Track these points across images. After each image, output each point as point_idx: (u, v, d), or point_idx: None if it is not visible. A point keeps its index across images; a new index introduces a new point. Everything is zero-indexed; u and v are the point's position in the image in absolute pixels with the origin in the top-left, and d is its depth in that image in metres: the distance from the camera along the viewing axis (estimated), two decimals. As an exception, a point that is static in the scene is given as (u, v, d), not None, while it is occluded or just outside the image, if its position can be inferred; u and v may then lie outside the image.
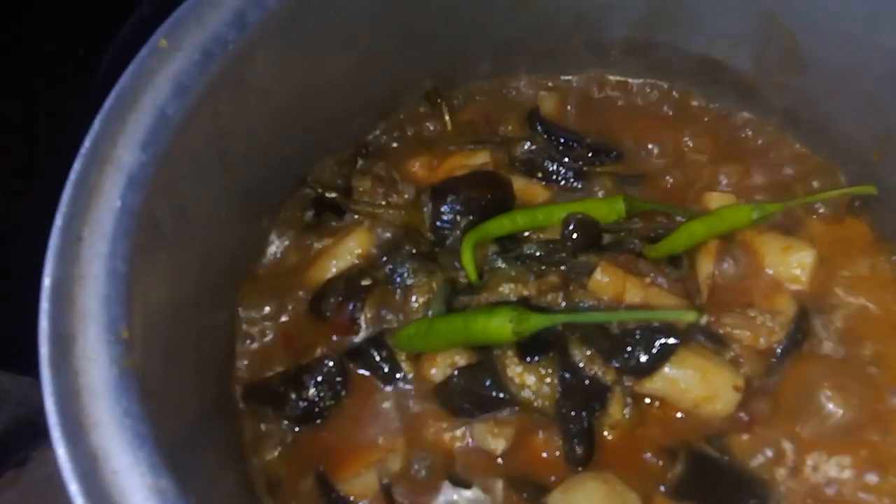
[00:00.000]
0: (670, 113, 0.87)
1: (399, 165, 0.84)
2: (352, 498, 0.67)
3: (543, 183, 0.82)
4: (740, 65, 0.81)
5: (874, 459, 0.66)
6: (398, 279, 0.74)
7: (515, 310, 0.65)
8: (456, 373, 0.69)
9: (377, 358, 0.72)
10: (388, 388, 0.72)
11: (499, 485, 0.67)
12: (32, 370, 1.21)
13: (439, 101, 0.88)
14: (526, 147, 0.84)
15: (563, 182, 0.82)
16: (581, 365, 0.67)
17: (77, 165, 0.58)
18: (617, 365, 0.66)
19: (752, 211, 0.75)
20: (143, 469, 0.48)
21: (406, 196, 0.81)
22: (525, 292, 0.71)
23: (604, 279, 0.69)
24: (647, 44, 0.84)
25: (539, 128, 0.85)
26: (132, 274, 0.56)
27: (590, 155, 0.84)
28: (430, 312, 0.72)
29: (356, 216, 0.81)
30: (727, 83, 0.83)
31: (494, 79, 0.89)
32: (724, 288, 0.73)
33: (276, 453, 0.70)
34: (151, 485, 0.48)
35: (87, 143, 0.58)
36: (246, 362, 0.74)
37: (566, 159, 0.83)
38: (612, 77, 0.89)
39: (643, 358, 0.66)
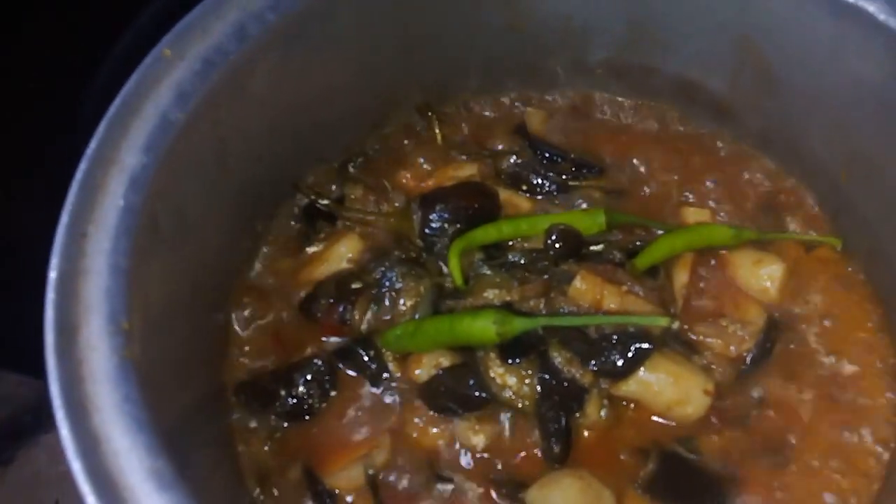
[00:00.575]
0: (650, 130, 0.90)
1: (390, 175, 0.86)
2: (337, 491, 0.70)
3: (528, 195, 0.85)
4: (716, 86, 0.85)
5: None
6: (387, 283, 0.77)
7: (499, 312, 0.68)
8: (440, 373, 0.72)
9: (365, 358, 0.75)
10: (375, 388, 0.74)
11: (479, 480, 0.69)
12: (22, 368, 1.23)
13: (430, 114, 0.91)
14: (512, 160, 0.87)
15: (546, 194, 0.85)
16: (560, 367, 0.70)
17: (83, 166, 0.61)
18: (594, 368, 0.69)
19: (731, 232, 0.78)
20: (141, 451, 0.51)
21: (396, 204, 0.84)
22: (508, 298, 0.74)
23: (583, 286, 0.72)
24: (628, 65, 0.87)
25: (525, 142, 0.89)
26: (133, 270, 0.58)
27: (573, 169, 0.87)
28: (417, 315, 0.75)
29: (348, 223, 0.83)
30: (704, 103, 0.87)
31: (484, 94, 0.92)
32: (698, 298, 0.77)
33: (265, 447, 0.72)
34: (149, 466, 0.50)
35: (92, 146, 0.61)
36: (238, 359, 0.76)
37: (550, 173, 0.86)
38: (595, 95, 0.92)
39: (619, 362, 0.68)
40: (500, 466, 0.70)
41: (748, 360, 0.73)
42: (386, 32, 0.80)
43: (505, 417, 0.71)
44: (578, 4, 0.83)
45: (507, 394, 0.70)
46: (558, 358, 0.70)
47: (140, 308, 0.58)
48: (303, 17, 0.71)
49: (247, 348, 0.77)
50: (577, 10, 0.84)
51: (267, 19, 0.68)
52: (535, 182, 0.86)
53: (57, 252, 0.57)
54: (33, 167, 0.85)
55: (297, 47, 0.72)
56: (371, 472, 0.69)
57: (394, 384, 0.74)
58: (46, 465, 1.31)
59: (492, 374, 0.70)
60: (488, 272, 0.76)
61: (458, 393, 0.71)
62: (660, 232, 0.80)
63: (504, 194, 0.83)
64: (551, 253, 0.76)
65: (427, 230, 0.78)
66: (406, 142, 0.90)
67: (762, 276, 0.77)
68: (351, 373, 0.75)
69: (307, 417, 0.74)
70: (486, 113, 0.93)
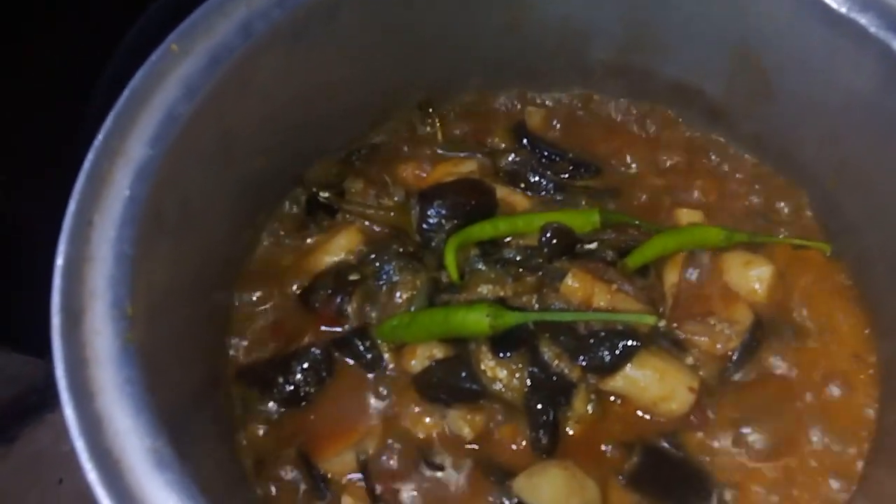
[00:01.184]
0: (647, 132, 0.91)
1: (391, 170, 0.88)
2: (330, 475, 0.72)
3: (526, 193, 0.87)
4: (712, 91, 0.86)
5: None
6: (384, 276, 0.79)
7: (492, 306, 0.70)
8: (434, 364, 0.73)
9: (361, 348, 0.77)
10: (370, 377, 0.76)
11: (469, 468, 0.71)
12: (29, 349, 1.25)
13: (431, 111, 0.92)
14: (511, 158, 0.89)
15: (543, 193, 0.87)
16: (549, 362, 0.72)
17: (90, 157, 0.62)
18: (583, 363, 0.71)
19: (722, 234, 0.80)
20: (142, 431, 0.53)
21: (396, 199, 0.86)
22: (502, 293, 0.76)
23: (574, 284, 0.74)
24: (626, 67, 0.89)
25: (524, 141, 0.90)
26: (137, 257, 0.60)
27: (570, 168, 0.89)
28: (412, 308, 0.77)
29: (348, 216, 0.85)
30: (700, 107, 0.88)
31: (484, 93, 0.94)
32: (687, 297, 0.78)
33: (262, 432, 0.74)
34: (149, 446, 0.52)
35: (100, 137, 0.63)
36: (238, 346, 0.78)
37: (548, 172, 0.88)
38: (594, 96, 0.93)
39: (607, 358, 0.70)
40: (489, 456, 0.72)
41: (734, 358, 0.75)
42: (389, 31, 0.81)
43: (495, 409, 0.73)
44: (577, 7, 0.84)
45: (498, 386, 0.72)
46: (548, 353, 0.72)
47: (143, 295, 0.60)
48: (307, 15, 0.72)
49: (247, 336, 0.79)
50: (576, 13, 0.85)
51: (272, 17, 0.70)
52: (532, 180, 0.87)
53: (64, 239, 0.59)
54: (43, 158, 0.87)
55: (300, 44, 0.74)
56: (363, 457, 0.71)
57: (388, 374, 0.76)
58: (51, 444, 1.33)
59: (483, 367, 0.72)
60: (483, 268, 0.78)
61: (451, 384, 0.73)
62: (652, 232, 0.81)
63: (502, 191, 0.85)
64: (545, 250, 0.78)
65: (425, 225, 0.80)
66: (407, 138, 0.92)
67: (751, 277, 0.78)
68: (347, 361, 0.77)
69: (303, 404, 0.76)
70: (487, 111, 0.94)
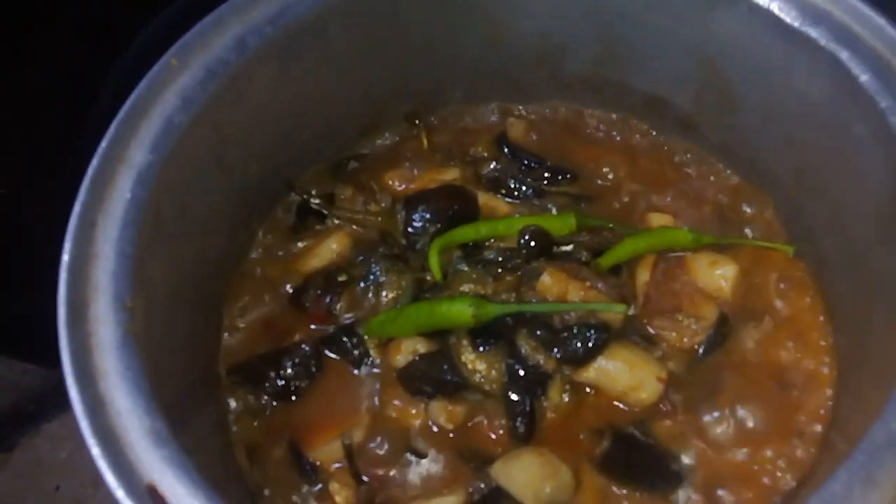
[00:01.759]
0: (621, 141, 0.96)
1: (378, 177, 0.92)
2: (319, 464, 0.76)
3: (506, 198, 0.90)
4: (682, 102, 0.91)
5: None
6: (372, 277, 0.83)
7: (474, 298, 0.75)
8: (417, 359, 0.77)
9: (349, 345, 0.80)
10: (358, 372, 0.80)
11: (450, 455, 0.75)
12: (30, 357, 1.28)
13: (417, 122, 0.97)
14: (492, 166, 0.93)
15: (523, 198, 0.90)
16: (526, 355, 0.75)
17: (94, 162, 0.67)
18: (557, 355, 0.75)
19: (691, 236, 0.84)
20: (141, 412, 0.57)
21: (383, 204, 0.90)
22: (483, 291, 0.79)
23: (549, 282, 0.78)
24: (601, 79, 0.93)
25: (506, 150, 0.94)
26: (137, 256, 0.64)
27: (548, 175, 0.92)
28: (398, 306, 0.81)
29: (337, 221, 0.89)
30: (670, 117, 0.93)
31: (467, 105, 0.98)
32: (657, 295, 0.82)
33: (255, 424, 0.78)
34: (148, 426, 0.56)
35: (103, 144, 0.68)
36: (232, 343, 0.82)
37: (528, 179, 0.92)
38: (571, 107, 0.98)
39: (580, 350, 0.74)
40: (469, 443, 0.76)
41: (700, 350, 0.79)
42: (376, 46, 0.86)
43: (475, 400, 0.77)
44: (555, 23, 0.89)
45: (478, 378, 0.76)
46: (525, 346, 0.76)
47: (143, 290, 0.64)
48: (298, 32, 0.77)
49: (240, 333, 0.83)
50: (554, 28, 0.90)
51: (264, 33, 0.75)
52: (512, 186, 0.91)
53: (69, 238, 0.63)
54: (49, 163, 0.91)
55: (292, 58, 0.78)
56: (347, 441, 0.75)
57: (374, 369, 0.80)
58: (48, 453, 1.36)
59: (464, 360, 0.76)
60: (465, 268, 0.82)
61: (433, 377, 0.77)
62: (625, 234, 0.86)
63: (483, 197, 0.89)
64: (524, 251, 0.82)
65: (410, 229, 0.84)
66: (394, 147, 0.96)
67: (717, 276, 0.83)
68: (335, 357, 0.81)
69: (294, 398, 0.79)
70: (470, 122, 0.99)
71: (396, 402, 0.78)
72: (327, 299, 0.83)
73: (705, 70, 0.86)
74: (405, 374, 0.78)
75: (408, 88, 0.94)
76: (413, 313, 0.76)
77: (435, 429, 0.77)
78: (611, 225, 0.87)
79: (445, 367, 0.77)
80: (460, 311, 0.73)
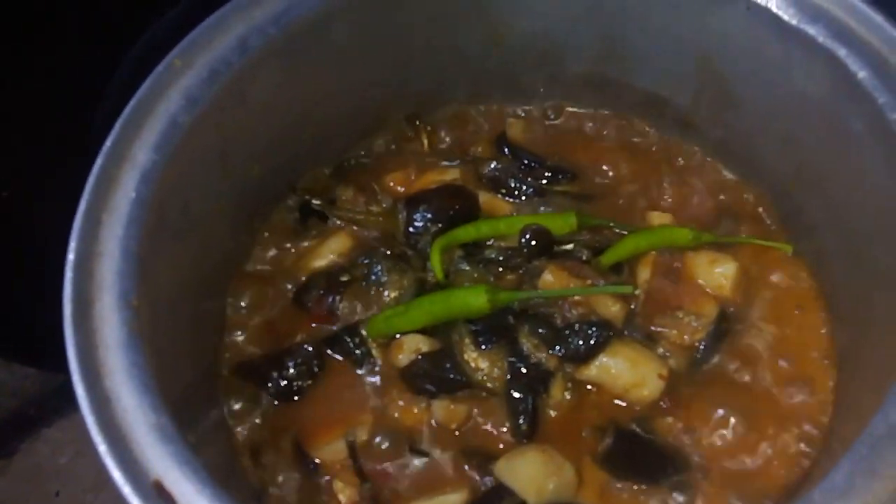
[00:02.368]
0: (621, 140, 0.96)
1: (379, 178, 0.92)
2: (322, 462, 0.76)
3: (507, 198, 0.91)
4: (681, 101, 0.91)
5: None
6: (374, 277, 0.83)
7: (489, 285, 0.76)
8: (419, 358, 0.77)
9: (351, 344, 0.80)
10: (360, 371, 0.80)
11: (453, 454, 0.75)
12: (31, 360, 1.28)
13: (418, 122, 0.97)
14: (493, 166, 0.93)
15: (524, 198, 0.91)
16: (528, 353, 0.76)
17: (99, 161, 0.67)
18: (559, 353, 0.75)
19: (691, 234, 0.84)
20: (147, 409, 0.57)
21: (384, 205, 0.90)
22: (485, 290, 0.80)
23: (551, 280, 0.79)
24: (601, 79, 0.94)
25: (506, 150, 0.95)
26: (142, 254, 0.65)
27: (549, 175, 0.93)
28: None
29: (339, 221, 0.89)
30: (670, 116, 0.93)
31: (468, 105, 0.99)
32: (658, 292, 0.83)
33: (257, 423, 0.78)
34: (154, 422, 0.57)
35: (108, 143, 0.68)
36: (235, 343, 0.82)
37: (528, 178, 0.92)
38: (571, 107, 0.98)
39: (581, 347, 0.75)
40: (472, 441, 0.76)
41: (701, 348, 0.79)
42: (377, 47, 0.86)
43: (477, 398, 0.77)
44: (554, 24, 0.90)
45: (480, 376, 0.76)
46: (527, 344, 0.76)
47: (147, 288, 0.64)
48: (300, 32, 0.77)
49: (243, 333, 0.83)
50: (553, 29, 0.90)
51: (267, 33, 0.75)
52: (513, 186, 0.91)
53: (75, 236, 0.64)
54: (53, 165, 0.91)
55: (295, 59, 0.79)
56: (351, 438, 0.75)
57: (377, 368, 0.80)
58: (48, 458, 1.36)
59: (466, 359, 0.77)
60: (467, 268, 0.82)
61: (436, 376, 0.77)
62: (626, 233, 0.86)
63: (484, 197, 0.89)
64: (525, 251, 0.82)
65: (411, 229, 0.85)
66: (395, 148, 0.96)
67: (717, 274, 0.83)
68: (338, 357, 0.81)
69: (296, 398, 0.79)
70: (471, 122, 0.99)
71: (399, 402, 0.78)
72: (329, 299, 0.83)
73: (704, 68, 0.86)
74: (408, 373, 0.78)
75: (408, 89, 0.95)
76: (427, 304, 0.77)
77: (437, 427, 0.77)
78: (611, 224, 0.87)
79: (448, 365, 0.77)
80: (476, 297, 0.74)
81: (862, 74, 0.71)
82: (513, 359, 0.76)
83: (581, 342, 0.75)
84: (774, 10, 0.75)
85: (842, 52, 0.72)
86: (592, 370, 0.76)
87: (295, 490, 0.75)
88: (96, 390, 0.57)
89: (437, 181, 0.92)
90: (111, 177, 0.67)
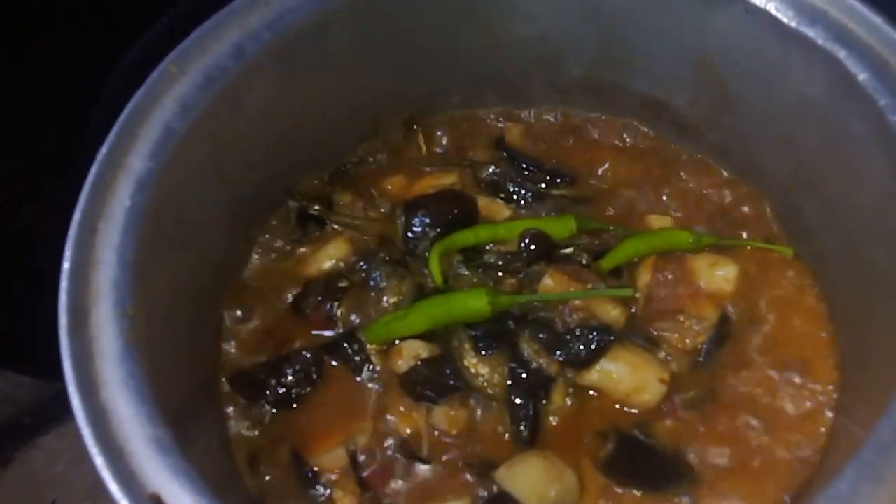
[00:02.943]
0: (619, 144, 0.96)
1: (377, 183, 0.92)
2: (321, 471, 0.75)
3: (505, 202, 0.90)
4: (679, 104, 0.91)
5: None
6: (372, 282, 0.83)
7: (490, 289, 0.76)
8: (419, 364, 0.77)
9: (350, 351, 0.80)
10: (359, 378, 0.80)
11: (454, 460, 0.74)
12: (27, 369, 1.27)
13: (416, 127, 0.97)
14: (491, 170, 0.93)
15: (522, 202, 0.90)
16: (529, 358, 0.75)
17: (94, 169, 0.67)
18: (560, 358, 0.75)
19: (691, 237, 0.84)
20: (143, 420, 0.56)
21: (382, 210, 0.90)
22: (485, 295, 0.80)
23: (551, 284, 0.78)
24: (598, 82, 0.93)
25: (504, 154, 0.94)
26: (138, 263, 0.64)
27: (547, 179, 0.93)
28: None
29: (336, 227, 0.89)
30: (668, 119, 0.93)
31: (466, 110, 0.98)
32: (658, 296, 0.82)
33: (256, 432, 0.78)
34: (150, 434, 0.56)
35: (103, 151, 0.67)
36: (233, 350, 0.82)
37: (526, 182, 0.92)
38: (569, 111, 0.98)
39: (582, 352, 0.74)
40: (473, 448, 0.75)
41: (703, 352, 0.79)
42: (374, 52, 0.85)
43: (478, 404, 0.77)
44: (551, 27, 0.89)
45: (480, 382, 0.76)
46: (527, 349, 0.76)
47: (144, 297, 0.64)
48: (296, 38, 0.77)
49: (241, 340, 0.83)
50: (551, 33, 0.90)
51: (263, 39, 0.75)
52: (511, 190, 0.91)
53: (70, 244, 0.63)
54: (49, 170, 0.91)
55: (290, 65, 0.78)
56: (352, 447, 0.75)
57: (376, 375, 0.79)
58: (44, 467, 1.35)
59: (466, 364, 0.76)
60: (466, 272, 0.82)
61: (436, 382, 0.76)
62: (626, 236, 0.86)
63: (483, 201, 0.89)
64: (524, 255, 0.82)
65: (410, 234, 0.84)
66: (393, 152, 0.96)
67: (718, 277, 0.83)
68: (336, 364, 0.81)
69: (295, 405, 0.79)
70: (469, 127, 0.99)
71: (399, 408, 0.77)
72: (328, 305, 0.83)
73: (703, 71, 0.86)
74: (407, 380, 0.77)
75: (406, 94, 0.94)
76: (427, 307, 0.76)
77: (438, 434, 0.76)
78: (611, 227, 0.87)
79: (448, 371, 0.76)
80: (477, 300, 0.73)
81: (862, 76, 0.70)
82: (513, 364, 0.76)
83: (582, 347, 0.75)
84: (773, 12, 0.75)
85: (841, 53, 0.72)
86: (593, 375, 0.75)
87: (294, 499, 0.75)
88: (92, 402, 0.57)
89: (435, 186, 0.91)
90: (106, 184, 0.66)
